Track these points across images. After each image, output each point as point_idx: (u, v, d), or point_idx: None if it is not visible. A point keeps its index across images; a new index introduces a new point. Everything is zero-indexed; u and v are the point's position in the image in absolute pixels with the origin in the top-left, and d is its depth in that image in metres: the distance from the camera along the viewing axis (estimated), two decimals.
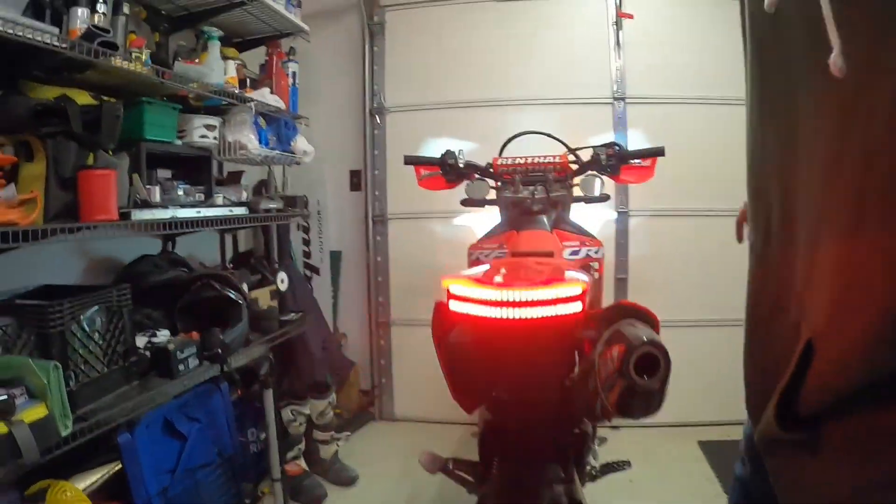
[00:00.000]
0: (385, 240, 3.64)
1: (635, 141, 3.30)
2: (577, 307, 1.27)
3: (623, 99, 3.35)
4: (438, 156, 2.44)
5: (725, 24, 3.22)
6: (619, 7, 3.33)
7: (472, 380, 1.62)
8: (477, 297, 1.25)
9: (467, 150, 2.49)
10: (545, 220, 2.25)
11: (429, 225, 3.55)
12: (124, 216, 2.04)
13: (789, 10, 0.63)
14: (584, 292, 1.28)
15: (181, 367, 2.16)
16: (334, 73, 3.66)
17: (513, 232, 2.23)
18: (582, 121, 3.30)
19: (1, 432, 1.48)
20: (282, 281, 2.91)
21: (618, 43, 3.35)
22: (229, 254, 3.06)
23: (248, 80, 2.80)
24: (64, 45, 1.80)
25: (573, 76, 3.41)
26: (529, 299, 1.20)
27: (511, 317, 1.20)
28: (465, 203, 2.47)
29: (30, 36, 1.68)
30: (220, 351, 2.30)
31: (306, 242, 3.62)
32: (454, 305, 1.31)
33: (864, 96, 0.54)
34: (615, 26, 3.34)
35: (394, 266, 3.66)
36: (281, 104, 2.79)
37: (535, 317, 1.21)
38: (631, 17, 3.26)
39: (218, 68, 2.54)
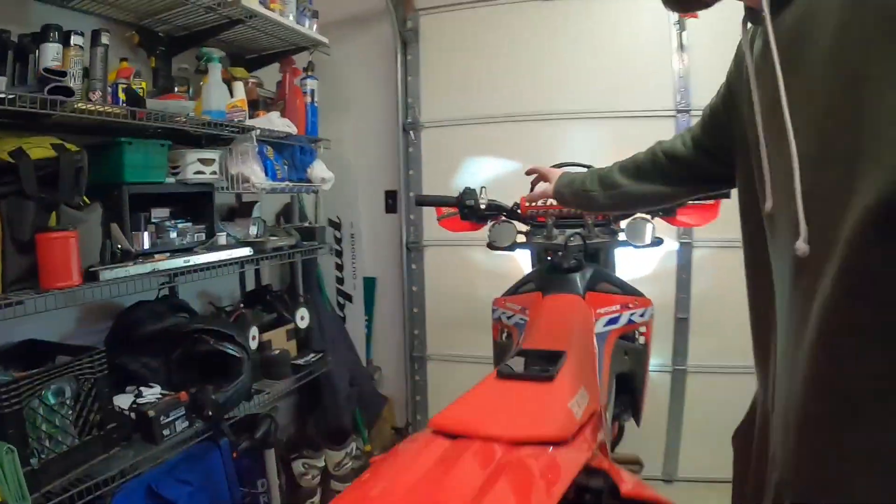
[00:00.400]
0: (421, 268, 3.26)
1: None
2: None
3: (688, 111, 2.80)
4: (456, 195, 2.05)
5: None
6: None
7: None
8: None
9: (512, 169, 2.10)
10: (577, 280, 1.84)
11: (468, 253, 3.13)
12: (92, 276, 1.81)
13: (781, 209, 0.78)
14: None
15: (166, 431, 1.97)
16: (366, 86, 3.27)
17: (538, 295, 1.84)
18: (640, 137, 2.72)
19: None
20: (301, 318, 2.64)
21: (681, 46, 2.81)
22: (252, 285, 2.78)
23: (260, 101, 2.50)
24: (11, 97, 1.59)
25: (629, 85, 2.89)
26: None
27: None
28: (490, 247, 2.09)
29: None
30: (210, 413, 2.06)
31: (339, 267, 3.30)
32: None
33: (821, 276, 0.67)
34: (677, 26, 2.79)
35: (430, 297, 3.29)
36: (292, 129, 2.46)
37: None
38: (696, 16, 2.69)
39: (218, 93, 2.27)
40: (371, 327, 3.39)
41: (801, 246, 0.69)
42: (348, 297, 3.31)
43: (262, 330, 2.44)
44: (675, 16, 2.75)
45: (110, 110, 1.84)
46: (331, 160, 2.74)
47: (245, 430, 2.40)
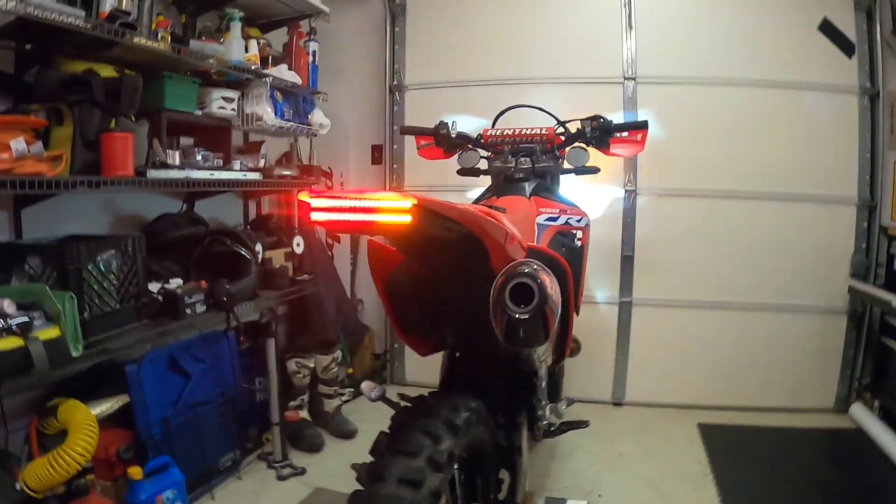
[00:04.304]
0: None
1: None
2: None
3: (634, 79, 3.54)
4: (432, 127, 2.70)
5: (739, 5, 3.39)
6: None
7: (414, 318, 1.87)
8: (315, 206, 1.29)
9: (480, 126, 2.72)
10: (526, 187, 2.47)
11: (442, 197, 3.75)
12: (141, 174, 2.41)
13: None
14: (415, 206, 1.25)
15: (188, 310, 2.54)
16: (358, 53, 4.01)
17: (493, 197, 2.47)
18: (592, 100, 3.49)
19: (18, 346, 1.86)
20: (297, 244, 3.26)
21: (629, 24, 3.54)
22: (252, 218, 3.43)
23: (270, 59, 3.14)
24: (88, 26, 2.14)
25: (585, 56, 3.63)
26: (356, 206, 1.25)
27: (340, 219, 1.27)
28: (460, 172, 2.73)
29: (59, 18, 2.04)
30: (224, 299, 2.66)
31: None
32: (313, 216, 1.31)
33: None
34: (626, 7, 3.53)
35: None
36: (297, 80, 3.14)
37: (359, 220, 1.25)
38: None
39: (238, 46, 2.90)
40: (356, 265, 4.09)
41: None
42: (337, 239, 4.00)
43: (264, 248, 3.04)
44: None
45: (160, 47, 2.47)
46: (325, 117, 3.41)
47: (249, 332, 3.02)
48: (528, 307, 1.42)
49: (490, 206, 1.87)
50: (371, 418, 3.42)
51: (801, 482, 2.83)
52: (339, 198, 1.25)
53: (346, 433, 3.28)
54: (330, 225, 1.30)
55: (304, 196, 1.29)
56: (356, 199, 1.23)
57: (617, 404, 3.72)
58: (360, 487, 1.35)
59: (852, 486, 2.82)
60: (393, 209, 1.22)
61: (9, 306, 1.90)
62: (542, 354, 1.80)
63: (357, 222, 1.25)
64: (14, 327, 1.88)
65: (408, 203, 1.21)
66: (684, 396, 3.62)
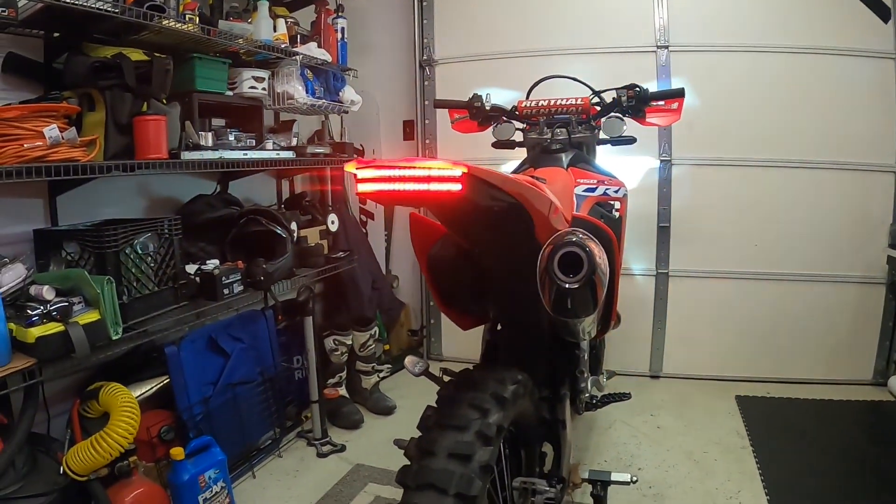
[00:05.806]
0: None
1: None
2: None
3: (667, 47, 3.41)
4: (466, 99, 2.62)
5: None
6: None
7: (456, 291, 1.82)
8: (362, 177, 1.22)
9: (513, 98, 2.63)
10: (563, 158, 2.38)
11: None
12: (175, 156, 2.36)
13: None
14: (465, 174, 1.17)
15: (226, 290, 2.49)
16: (387, 28, 3.92)
17: (530, 169, 2.39)
18: (625, 69, 3.38)
19: (58, 330, 1.83)
20: (332, 222, 3.21)
21: None
22: (286, 197, 3.39)
23: (298, 37, 3.07)
24: (117, 10, 2.09)
25: (617, 25, 3.50)
26: (405, 175, 1.17)
27: (389, 189, 1.19)
28: (495, 145, 2.65)
29: (87, 4, 1.99)
30: (262, 278, 2.60)
31: None
32: (360, 187, 1.24)
33: None
34: None
35: None
36: (327, 57, 3.07)
37: (409, 189, 1.18)
38: None
39: (266, 25, 2.82)
40: (391, 242, 4.04)
41: None
42: (370, 216, 3.98)
43: (299, 227, 2.99)
44: None
45: (190, 28, 2.41)
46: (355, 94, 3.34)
47: (287, 310, 2.97)
48: (578, 276, 1.37)
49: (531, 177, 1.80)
50: (409, 394, 3.40)
51: (840, 454, 2.74)
52: (388, 167, 1.18)
53: (385, 409, 3.24)
54: (377, 196, 1.22)
55: (350, 167, 1.22)
56: (406, 168, 1.16)
57: (654, 377, 3.64)
58: (407, 462, 1.32)
59: (891, 458, 2.72)
60: (444, 178, 1.15)
61: (48, 292, 1.87)
62: (588, 326, 1.72)
63: (406, 192, 1.18)
64: (54, 313, 1.84)
65: (458, 172, 1.14)
66: (721, 369, 3.53)
